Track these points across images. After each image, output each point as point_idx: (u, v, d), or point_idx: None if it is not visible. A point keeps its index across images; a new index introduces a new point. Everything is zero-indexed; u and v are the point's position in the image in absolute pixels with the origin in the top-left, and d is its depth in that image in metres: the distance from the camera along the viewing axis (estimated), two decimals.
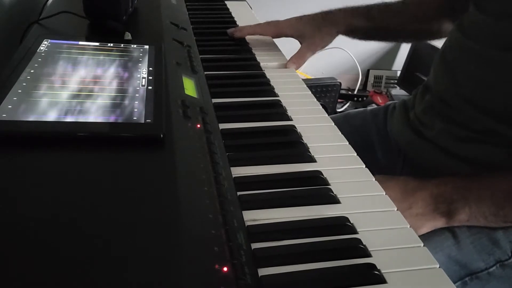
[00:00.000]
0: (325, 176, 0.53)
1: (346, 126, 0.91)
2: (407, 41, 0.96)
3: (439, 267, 0.42)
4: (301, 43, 0.89)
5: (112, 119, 0.51)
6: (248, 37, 0.95)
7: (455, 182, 0.65)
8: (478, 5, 0.72)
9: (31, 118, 0.49)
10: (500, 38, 0.67)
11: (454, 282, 0.62)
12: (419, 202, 0.63)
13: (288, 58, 0.90)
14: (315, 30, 0.87)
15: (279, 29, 0.90)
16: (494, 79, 0.68)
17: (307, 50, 0.87)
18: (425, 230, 0.63)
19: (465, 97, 0.71)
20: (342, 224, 0.46)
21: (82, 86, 0.57)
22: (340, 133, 0.64)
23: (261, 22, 0.92)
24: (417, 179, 0.67)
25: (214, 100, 0.67)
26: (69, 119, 0.50)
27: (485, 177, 0.65)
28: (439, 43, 2.09)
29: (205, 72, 0.76)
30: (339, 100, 2.18)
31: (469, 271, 0.64)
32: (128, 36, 0.73)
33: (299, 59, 0.86)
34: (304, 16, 0.89)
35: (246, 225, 0.45)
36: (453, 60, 0.75)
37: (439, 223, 0.64)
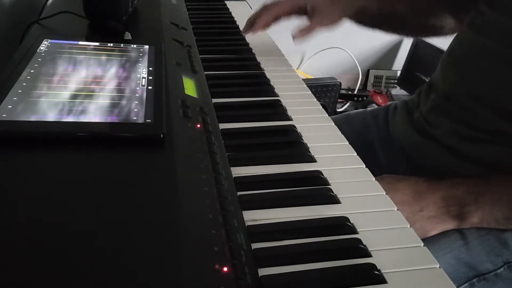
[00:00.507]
0: (325, 176, 0.53)
1: (346, 127, 0.90)
2: (411, 34, 0.92)
3: (439, 267, 0.42)
4: (309, 18, 0.84)
5: (112, 119, 0.51)
6: (248, 37, 0.95)
7: (468, 185, 0.65)
8: (490, 4, 0.71)
9: (31, 118, 0.49)
10: None
11: (462, 284, 0.62)
12: (431, 205, 0.63)
13: (288, 58, 0.89)
14: (328, 3, 0.83)
15: (294, 1, 0.84)
16: (507, 76, 0.67)
17: (316, 24, 0.82)
18: (435, 232, 0.63)
19: (474, 95, 0.70)
20: (342, 224, 0.46)
21: (82, 86, 0.57)
22: (340, 133, 0.64)
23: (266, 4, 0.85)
24: (428, 180, 0.66)
25: (214, 100, 0.67)
26: (69, 119, 0.50)
27: (498, 180, 0.65)
28: (439, 43, 2.08)
29: (205, 72, 0.76)
30: (339, 100, 2.18)
31: (477, 272, 0.63)
32: (128, 36, 0.73)
33: (307, 31, 0.81)
34: None
35: (246, 225, 0.45)
36: (463, 57, 0.75)
37: (451, 225, 0.64)
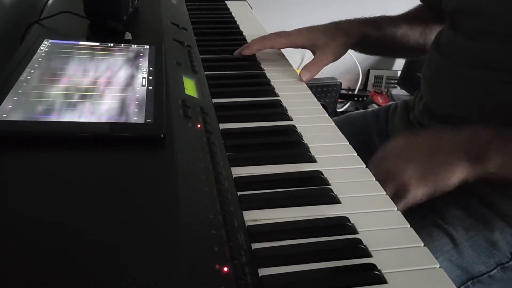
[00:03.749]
0: (325, 176, 0.53)
1: (347, 127, 0.90)
2: (414, 55, 0.94)
3: (439, 267, 0.42)
4: (314, 53, 0.85)
5: (112, 119, 0.51)
6: (248, 38, 0.95)
7: (491, 133, 0.60)
8: (452, 23, 0.73)
9: (31, 118, 0.49)
10: (473, 57, 0.68)
11: (457, 287, 0.61)
12: (451, 145, 0.60)
13: (288, 58, 0.89)
14: (329, 38, 0.83)
15: (290, 39, 0.84)
16: (470, 96, 0.68)
17: (322, 59, 0.83)
18: (455, 179, 0.58)
19: (448, 111, 0.72)
20: (342, 224, 0.46)
21: (83, 86, 0.57)
22: (340, 133, 0.64)
23: (268, 34, 0.86)
24: (450, 130, 0.63)
25: (215, 100, 0.68)
26: (69, 119, 0.50)
27: None
28: None
29: (206, 72, 0.76)
30: (339, 100, 2.18)
31: (471, 275, 0.63)
32: (128, 36, 0.73)
33: (314, 67, 0.81)
34: (315, 26, 0.85)
35: (246, 225, 0.45)
36: (431, 78, 0.77)
37: (465, 169, 0.58)
